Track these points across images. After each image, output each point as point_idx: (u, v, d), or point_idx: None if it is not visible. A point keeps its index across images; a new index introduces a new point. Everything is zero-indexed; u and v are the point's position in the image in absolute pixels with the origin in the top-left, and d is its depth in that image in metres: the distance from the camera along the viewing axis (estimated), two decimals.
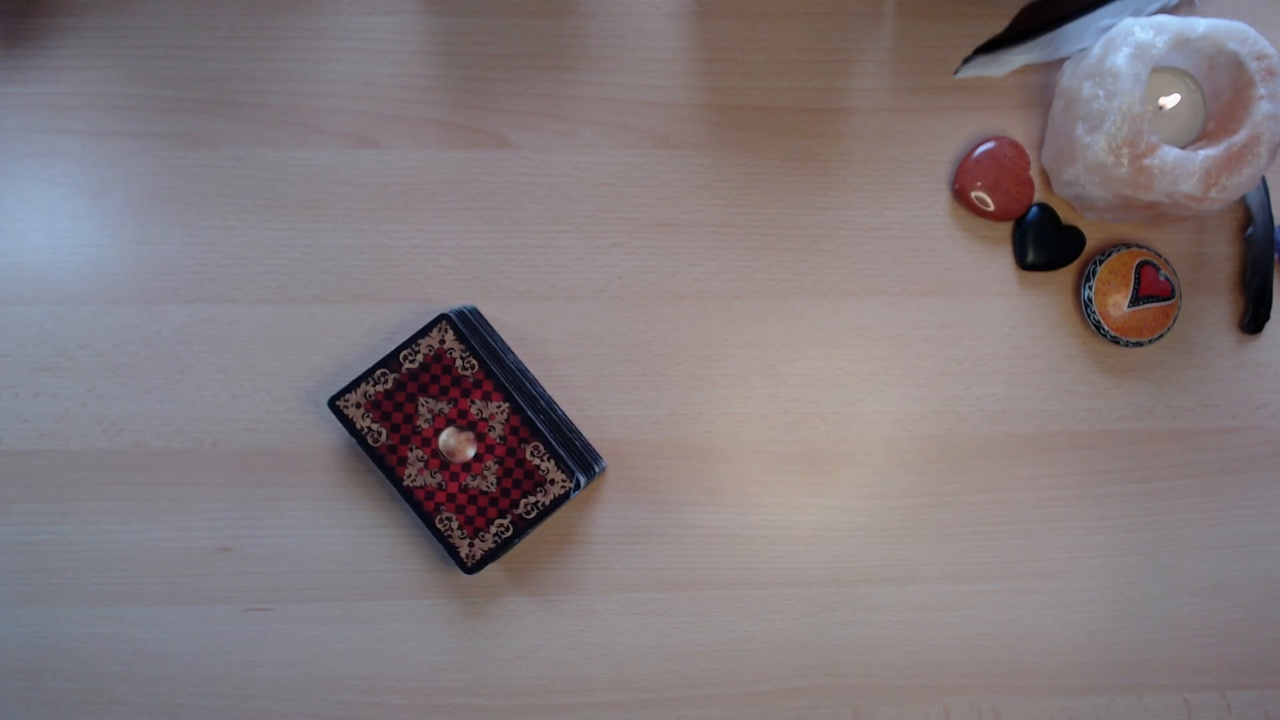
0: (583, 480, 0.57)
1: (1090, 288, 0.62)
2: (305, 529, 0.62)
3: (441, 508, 0.57)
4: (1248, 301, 0.64)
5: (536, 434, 0.57)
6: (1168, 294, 0.62)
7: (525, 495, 0.57)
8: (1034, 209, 0.64)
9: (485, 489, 0.57)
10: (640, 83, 0.64)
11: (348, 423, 0.57)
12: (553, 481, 0.57)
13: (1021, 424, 0.64)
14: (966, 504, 0.63)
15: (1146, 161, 0.56)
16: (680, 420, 0.63)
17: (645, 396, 0.63)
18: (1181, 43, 0.57)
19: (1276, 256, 0.64)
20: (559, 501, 0.57)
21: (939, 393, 0.64)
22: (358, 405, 0.57)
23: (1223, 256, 0.65)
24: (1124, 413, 0.64)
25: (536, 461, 0.57)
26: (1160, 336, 0.63)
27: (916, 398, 0.64)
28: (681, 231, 0.63)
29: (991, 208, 0.63)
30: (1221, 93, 0.59)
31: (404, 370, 0.57)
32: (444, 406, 0.57)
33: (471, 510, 0.57)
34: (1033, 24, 0.64)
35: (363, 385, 0.57)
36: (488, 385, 0.57)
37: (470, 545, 0.57)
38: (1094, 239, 0.64)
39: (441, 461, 0.57)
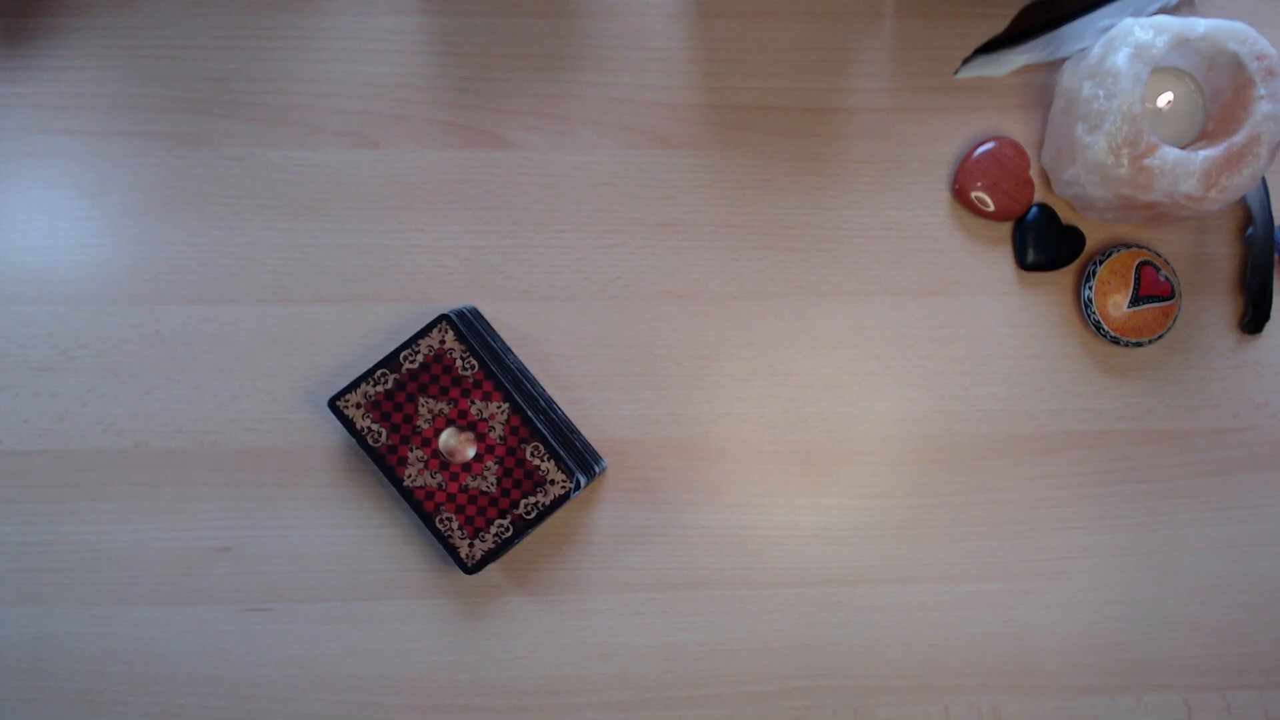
0: (583, 480, 0.57)
1: (1090, 288, 0.62)
2: (305, 529, 0.62)
3: (441, 508, 0.57)
4: (1248, 301, 0.64)
5: (536, 434, 0.57)
6: (1168, 294, 0.62)
7: (525, 495, 0.57)
8: (1034, 209, 0.64)
9: (485, 489, 0.57)
10: (640, 83, 0.64)
11: (348, 423, 0.57)
12: (553, 481, 0.57)
13: (1021, 424, 0.64)
14: (966, 504, 0.63)
15: (1146, 161, 0.56)
16: (680, 420, 0.63)
17: (645, 396, 0.63)
18: (1181, 43, 0.57)
19: (1276, 256, 0.64)
20: (559, 501, 0.57)
21: (939, 393, 0.64)
22: (358, 405, 0.57)
23: (1223, 256, 0.65)
24: (1124, 413, 0.64)
25: (536, 461, 0.57)
26: (1160, 336, 0.63)
27: (916, 398, 0.64)
28: (681, 231, 0.63)
29: (991, 208, 0.63)
30: (1221, 93, 0.59)
31: (404, 370, 0.57)
32: (444, 407, 0.57)
33: (471, 510, 0.57)
34: (1033, 24, 0.64)
35: (363, 385, 0.57)
36: (488, 385, 0.57)
37: (470, 545, 0.57)
38: (1094, 239, 0.64)
39: (441, 462, 0.57)
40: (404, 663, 0.62)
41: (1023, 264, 0.64)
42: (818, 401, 0.63)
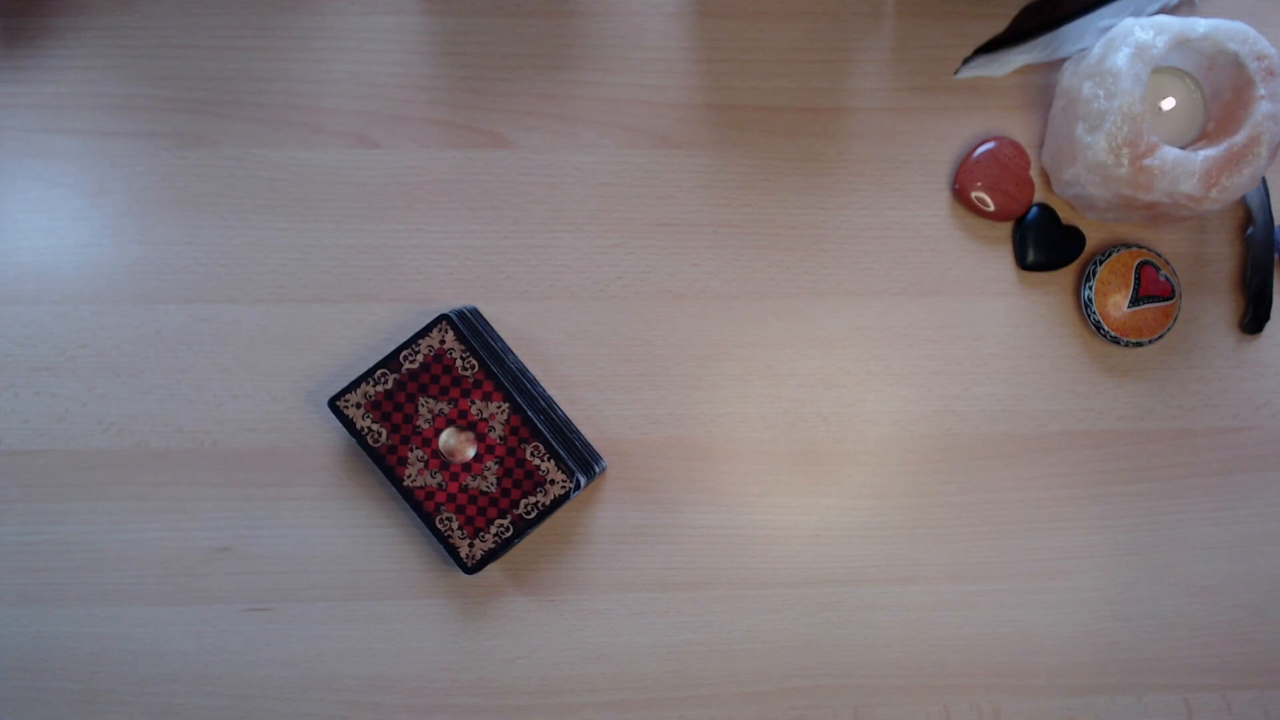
0: (583, 480, 0.57)
1: (1090, 288, 0.62)
2: (305, 529, 0.62)
3: (441, 508, 0.57)
4: (1248, 301, 0.64)
5: (536, 434, 0.57)
6: (1168, 294, 0.62)
7: (525, 495, 0.57)
8: (1034, 209, 0.64)
9: (485, 489, 0.57)
10: (640, 83, 0.64)
11: (348, 423, 0.57)
12: (553, 481, 0.57)
13: (1021, 424, 0.64)
14: (966, 504, 0.63)
15: (1146, 161, 0.56)
16: (680, 420, 0.63)
17: (645, 396, 0.63)
18: (1181, 43, 0.57)
19: (1276, 256, 0.64)
20: (559, 501, 0.57)
21: (939, 393, 0.64)
22: (358, 405, 0.57)
23: (1223, 256, 0.65)
24: (1124, 413, 0.64)
25: (536, 461, 0.57)
26: (1160, 336, 0.63)
27: (916, 398, 0.64)
28: (681, 231, 0.63)
29: (991, 208, 0.63)
30: (1221, 93, 0.59)
31: (404, 370, 0.57)
32: (444, 406, 0.57)
33: (471, 510, 0.57)
34: (1033, 24, 0.64)
35: (363, 385, 0.57)
36: (488, 385, 0.57)
37: (470, 545, 0.57)
38: (1094, 239, 0.64)
39: (441, 461, 0.57)
40: (404, 663, 0.62)
41: (1023, 264, 0.64)
42: (818, 401, 0.63)
